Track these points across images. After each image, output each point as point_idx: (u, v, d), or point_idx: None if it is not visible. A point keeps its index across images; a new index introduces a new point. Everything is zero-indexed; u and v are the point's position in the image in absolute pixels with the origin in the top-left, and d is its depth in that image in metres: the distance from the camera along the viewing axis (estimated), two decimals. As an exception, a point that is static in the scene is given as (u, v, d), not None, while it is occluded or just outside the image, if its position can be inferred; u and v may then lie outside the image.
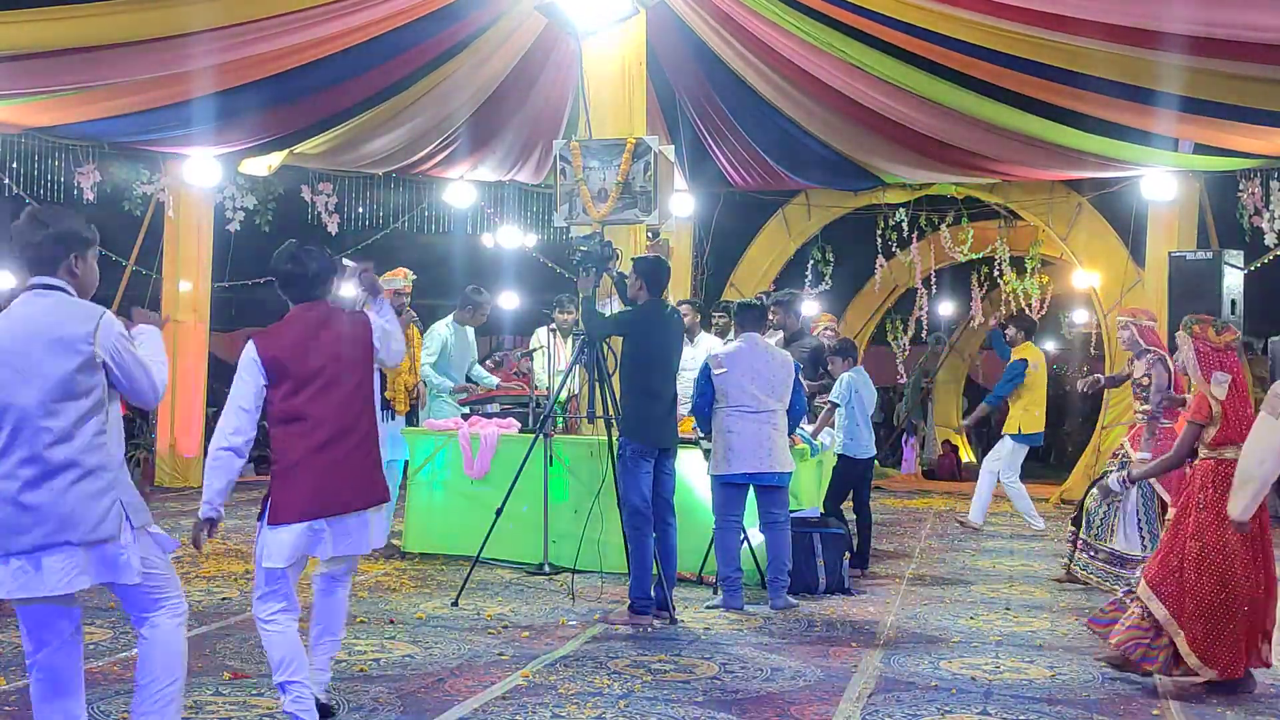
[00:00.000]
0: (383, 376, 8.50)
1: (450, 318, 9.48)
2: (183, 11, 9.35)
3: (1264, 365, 14.38)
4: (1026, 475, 10.78)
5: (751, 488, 7.15)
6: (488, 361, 11.23)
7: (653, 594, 6.58)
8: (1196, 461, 5.46)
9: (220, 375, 19.72)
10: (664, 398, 6.78)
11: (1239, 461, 5.09)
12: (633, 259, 7.21)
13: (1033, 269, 14.58)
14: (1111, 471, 7.47)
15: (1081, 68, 9.75)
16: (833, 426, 8.65)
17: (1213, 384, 5.35)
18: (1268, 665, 5.35)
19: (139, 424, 13.81)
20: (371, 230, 14.12)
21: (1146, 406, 7.62)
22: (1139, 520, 7.62)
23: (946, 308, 18.14)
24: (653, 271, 6.88)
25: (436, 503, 8.67)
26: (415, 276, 8.86)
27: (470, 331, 9.68)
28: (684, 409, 7.55)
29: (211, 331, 13.82)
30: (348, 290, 7.62)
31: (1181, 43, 8.71)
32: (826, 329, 9.99)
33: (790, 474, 7.23)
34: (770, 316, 8.64)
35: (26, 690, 4.86)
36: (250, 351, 4.42)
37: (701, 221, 15.36)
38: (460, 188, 14.40)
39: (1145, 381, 7.65)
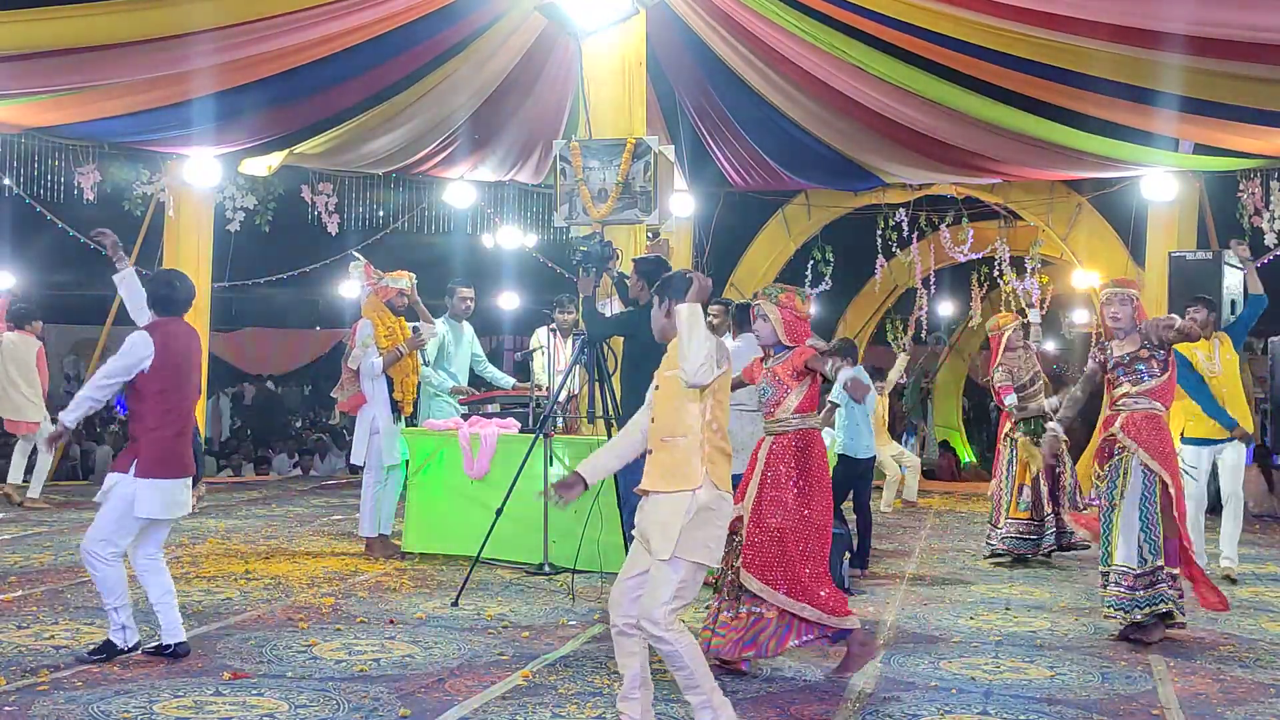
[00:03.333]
0: (389, 379, 8.51)
1: (444, 316, 9.52)
2: (183, 11, 9.36)
3: (1264, 365, 14.39)
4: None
5: None
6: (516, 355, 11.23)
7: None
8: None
9: (219, 375, 19.77)
10: None
11: None
12: (635, 259, 7.21)
13: (1033, 269, 14.58)
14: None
15: (1081, 68, 9.75)
16: (832, 426, 8.64)
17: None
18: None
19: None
20: (371, 230, 14.12)
21: (1144, 387, 6.46)
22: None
23: (946, 308, 18.14)
24: (655, 272, 6.87)
25: (436, 503, 8.67)
26: (416, 278, 8.86)
27: (468, 327, 9.69)
28: None
29: (211, 331, 13.82)
30: (351, 289, 7.61)
31: (1181, 43, 8.71)
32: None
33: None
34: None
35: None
36: None
37: (701, 221, 15.36)
38: (460, 188, 14.39)
39: (1144, 355, 6.46)
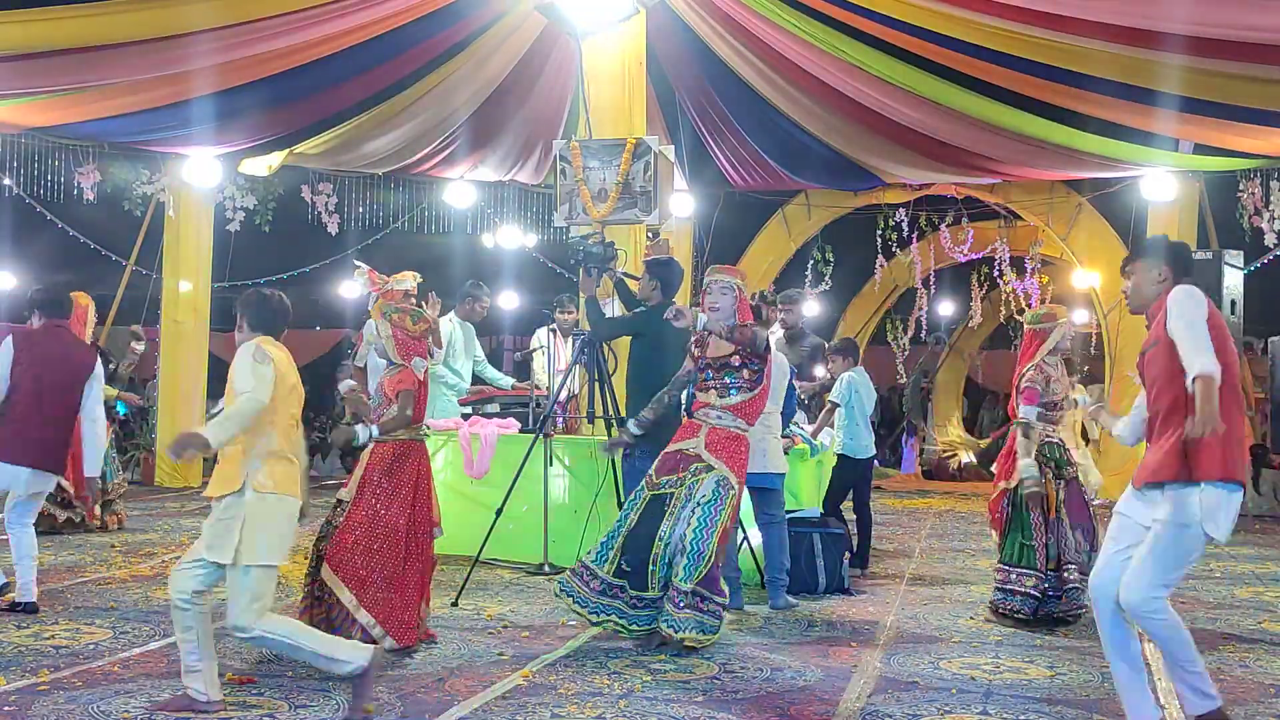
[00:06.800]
0: None
1: (453, 313, 9.53)
2: (183, 11, 9.36)
3: (1264, 365, 14.41)
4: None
5: (747, 489, 7.14)
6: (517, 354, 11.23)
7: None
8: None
9: (220, 375, 19.77)
10: (673, 399, 6.80)
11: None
12: (647, 260, 7.21)
13: (1033, 269, 14.59)
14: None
15: (1081, 68, 9.75)
16: (832, 426, 8.65)
17: (414, 366, 5.77)
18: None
19: (138, 424, 13.81)
20: (371, 230, 14.12)
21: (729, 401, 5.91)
22: None
23: (946, 308, 18.14)
24: (668, 274, 6.90)
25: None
26: (421, 279, 8.87)
27: (472, 328, 9.71)
28: None
29: (211, 331, 13.82)
30: (351, 290, 7.64)
31: (1181, 43, 8.71)
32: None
33: (784, 475, 7.22)
34: (778, 313, 8.65)
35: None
36: None
37: (701, 221, 15.37)
38: (460, 188, 14.40)
39: (736, 361, 5.81)
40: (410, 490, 5.73)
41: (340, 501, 5.79)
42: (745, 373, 5.78)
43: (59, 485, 9.27)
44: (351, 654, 4.60)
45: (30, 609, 6.27)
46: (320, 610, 5.65)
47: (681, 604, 5.62)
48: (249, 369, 4.67)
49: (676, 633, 5.60)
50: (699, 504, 5.70)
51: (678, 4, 10.56)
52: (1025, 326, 7.02)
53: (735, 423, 5.85)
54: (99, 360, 6.88)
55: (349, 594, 5.52)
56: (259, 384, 4.62)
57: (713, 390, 5.84)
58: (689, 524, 5.68)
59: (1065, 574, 6.63)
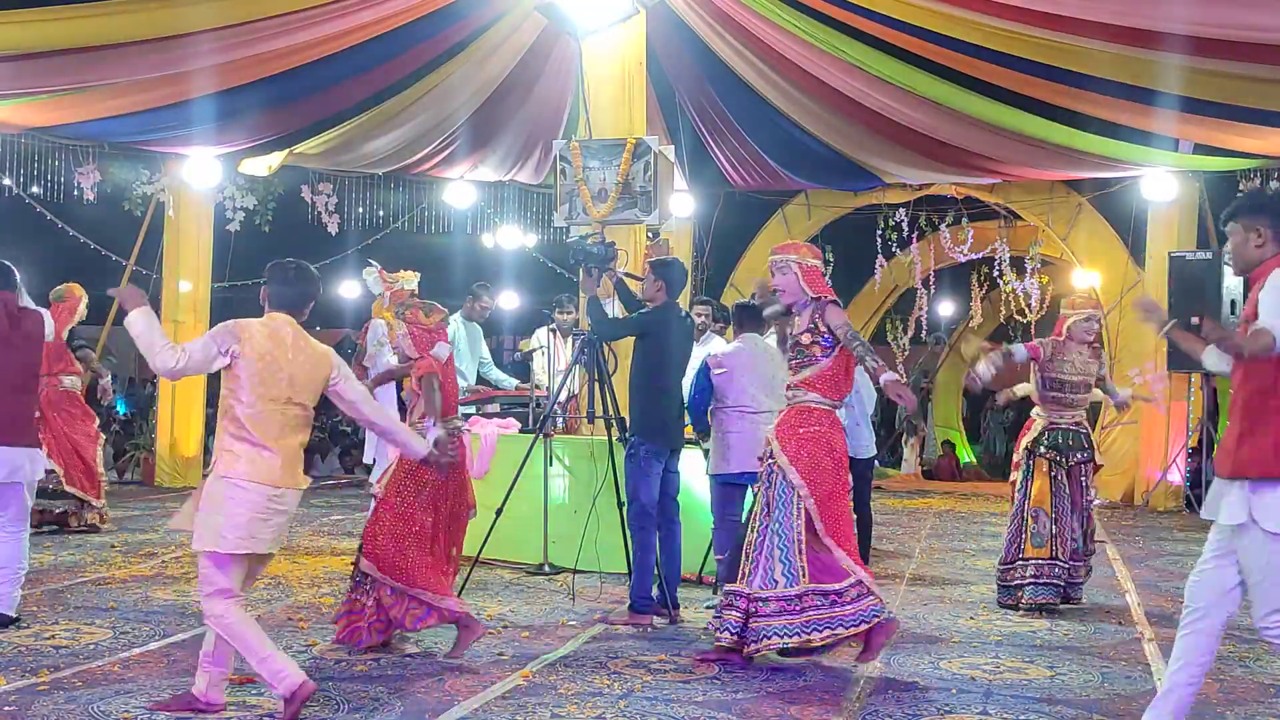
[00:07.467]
0: (397, 380, 8.56)
1: (458, 314, 9.57)
2: (183, 11, 9.37)
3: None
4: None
5: (750, 487, 7.15)
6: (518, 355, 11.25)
7: (654, 593, 6.58)
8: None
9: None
10: (677, 398, 6.83)
11: None
12: (651, 261, 7.20)
13: (1033, 269, 14.59)
14: None
15: (1081, 68, 9.75)
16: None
17: (437, 353, 5.95)
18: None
19: (139, 424, 13.82)
20: (371, 230, 14.12)
21: (801, 376, 5.69)
22: None
23: (946, 308, 18.15)
24: (672, 274, 6.90)
25: (436, 503, 8.66)
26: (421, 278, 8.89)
27: (478, 329, 9.74)
28: None
29: (212, 331, 13.80)
30: (351, 290, 7.62)
31: (1181, 43, 8.72)
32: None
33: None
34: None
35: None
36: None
37: (701, 221, 15.37)
38: (460, 188, 14.40)
39: (805, 340, 5.69)
40: (436, 486, 5.85)
41: (375, 499, 5.96)
42: (816, 350, 5.65)
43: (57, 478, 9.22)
44: (283, 671, 4.45)
45: (3, 621, 5.92)
46: (374, 615, 5.75)
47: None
48: (210, 331, 4.59)
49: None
50: (773, 506, 5.57)
51: (678, 4, 10.56)
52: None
53: (807, 396, 5.65)
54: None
55: (395, 582, 5.69)
56: (183, 348, 4.47)
57: (790, 371, 5.78)
58: (771, 526, 5.56)
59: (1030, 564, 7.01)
